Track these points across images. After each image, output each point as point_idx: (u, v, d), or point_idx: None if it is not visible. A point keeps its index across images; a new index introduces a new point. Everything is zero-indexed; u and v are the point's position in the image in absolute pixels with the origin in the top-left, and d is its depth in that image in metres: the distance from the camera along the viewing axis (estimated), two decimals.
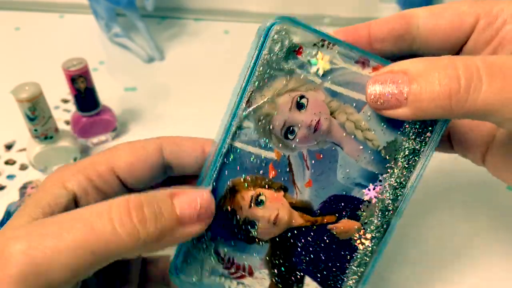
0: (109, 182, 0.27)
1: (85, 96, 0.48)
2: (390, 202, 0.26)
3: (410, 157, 0.26)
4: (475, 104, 0.22)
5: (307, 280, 0.28)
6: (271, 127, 0.26)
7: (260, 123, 0.26)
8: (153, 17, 0.67)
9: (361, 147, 0.26)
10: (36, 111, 0.45)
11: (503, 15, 0.26)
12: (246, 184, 0.26)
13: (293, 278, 0.28)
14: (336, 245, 0.27)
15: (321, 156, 0.26)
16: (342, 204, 0.27)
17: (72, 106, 0.53)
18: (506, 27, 0.26)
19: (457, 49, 0.28)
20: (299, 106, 0.26)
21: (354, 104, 0.26)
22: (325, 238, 0.27)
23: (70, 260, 0.21)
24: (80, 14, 0.68)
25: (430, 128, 0.25)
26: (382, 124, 0.26)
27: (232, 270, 0.28)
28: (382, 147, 0.26)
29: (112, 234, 0.22)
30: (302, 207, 0.27)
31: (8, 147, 0.50)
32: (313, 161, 0.26)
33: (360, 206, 0.26)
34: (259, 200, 0.27)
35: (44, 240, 0.21)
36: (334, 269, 0.27)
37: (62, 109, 0.54)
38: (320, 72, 0.25)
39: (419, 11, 0.27)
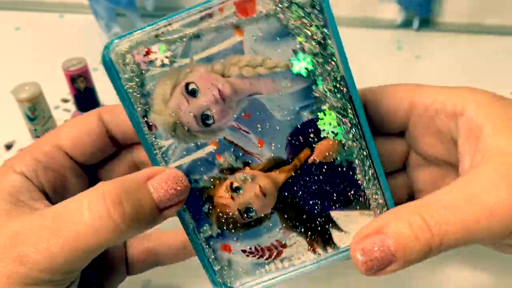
0: (57, 159, 0.27)
1: (85, 96, 0.48)
2: (334, 84, 0.25)
3: (321, 46, 0.24)
4: (449, 244, 0.23)
5: (334, 214, 0.27)
6: (187, 129, 0.25)
7: (175, 134, 0.25)
8: (153, 17, 0.67)
9: (272, 79, 0.25)
10: (36, 111, 0.45)
11: (435, 104, 0.27)
12: (212, 186, 0.27)
13: (319, 223, 0.27)
14: (330, 170, 0.27)
15: (249, 114, 0.26)
16: (303, 135, 0.26)
17: (72, 106, 0.53)
18: (439, 116, 0.27)
19: (401, 129, 0.29)
20: (192, 93, 0.25)
21: (233, 52, 0.25)
22: (316, 172, 0.27)
23: (62, 261, 0.23)
24: (80, 14, 0.68)
25: (319, 12, 0.24)
26: (272, 45, 0.25)
27: (267, 255, 0.28)
28: (290, 62, 0.25)
29: (95, 233, 0.23)
30: (274, 165, 0.26)
31: (8, 147, 0.50)
32: (246, 123, 0.26)
33: (317, 122, 0.26)
34: (234, 188, 0.27)
35: (38, 245, 0.23)
36: (348, 189, 0.27)
37: (62, 109, 0.54)
38: (165, 61, 0.25)
39: (367, 91, 0.29)
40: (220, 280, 0.28)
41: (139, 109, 0.25)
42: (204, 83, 0.25)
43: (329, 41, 0.24)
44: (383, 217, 0.24)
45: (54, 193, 0.27)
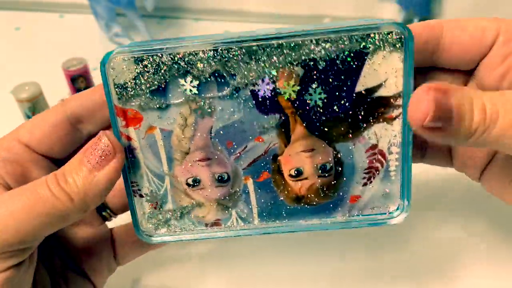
0: (16, 152, 0.28)
1: None
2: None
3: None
4: (489, 134, 0.23)
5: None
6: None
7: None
8: (153, 17, 0.67)
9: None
10: (36, 111, 0.45)
11: None
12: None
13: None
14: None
15: (229, 141, 0.28)
16: (262, 96, 0.27)
17: None
18: None
19: (475, 64, 0.28)
20: (195, 184, 0.29)
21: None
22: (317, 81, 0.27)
23: (21, 223, 0.24)
24: (80, 14, 0.68)
25: None
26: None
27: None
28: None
29: (50, 200, 0.25)
30: (285, 133, 0.28)
31: None
32: (237, 144, 0.28)
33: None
34: (296, 174, 0.29)
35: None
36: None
37: None
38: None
39: (446, 22, 0.28)
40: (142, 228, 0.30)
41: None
42: (195, 172, 0.29)
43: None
44: (449, 84, 0.24)
45: (17, 185, 0.27)
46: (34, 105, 0.45)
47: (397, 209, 0.30)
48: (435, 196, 0.42)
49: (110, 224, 0.34)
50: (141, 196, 0.29)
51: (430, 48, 0.28)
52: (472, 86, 0.29)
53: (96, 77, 0.52)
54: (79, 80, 0.49)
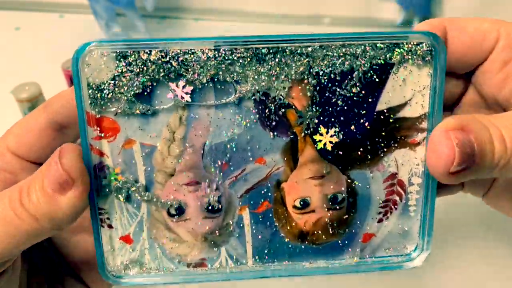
0: (10, 162, 0.26)
1: None
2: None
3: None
4: None
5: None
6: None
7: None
8: (153, 17, 0.67)
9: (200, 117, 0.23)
10: None
11: None
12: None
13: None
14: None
15: (223, 163, 0.23)
16: (268, 111, 0.23)
17: None
18: None
19: (473, 67, 0.27)
20: (180, 213, 0.24)
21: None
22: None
23: None
24: (80, 14, 0.68)
25: None
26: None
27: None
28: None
29: (14, 221, 0.22)
30: (292, 155, 0.24)
31: None
32: (234, 167, 0.23)
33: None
34: (302, 205, 0.24)
35: None
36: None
37: None
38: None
39: (447, 20, 0.26)
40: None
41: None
42: (181, 198, 0.24)
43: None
44: (462, 118, 0.22)
45: None
46: (34, 105, 0.45)
47: (415, 249, 0.25)
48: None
49: None
50: (109, 227, 0.24)
51: None
52: (470, 92, 0.29)
53: None
54: None
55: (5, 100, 0.52)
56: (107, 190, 0.23)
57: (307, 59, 0.22)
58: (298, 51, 0.22)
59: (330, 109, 0.23)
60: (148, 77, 0.22)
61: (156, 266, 0.25)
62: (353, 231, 0.25)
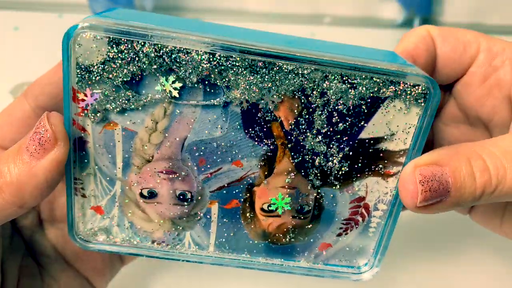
0: None
1: None
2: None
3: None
4: (501, 191, 0.22)
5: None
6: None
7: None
8: None
9: (182, 117, 0.23)
10: None
11: (503, 55, 0.26)
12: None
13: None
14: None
15: (201, 159, 0.24)
16: (253, 118, 0.23)
17: None
18: (505, 68, 0.25)
19: (453, 79, 0.27)
20: (151, 196, 0.25)
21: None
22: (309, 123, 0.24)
23: None
24: (79, 13, 0.68)
25: None
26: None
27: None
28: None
29: None
30: (268, 164, 0.25)
31: None
32: (210, 164, 0.24)
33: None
34: (269, 209, 0.26)
35: None
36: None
37: None
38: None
39: (432, 29, 0.26)
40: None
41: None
42: (154, 184, 0.25)
43: None
44: (440, 152, 0.23)
45: None
46: None
47: (366, 264, 0.27)
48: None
49: None
50: (83, 196, 0.25)
51: (428, 61, 0.26)
52: (451, 105, 0.28)
53: None
54: None
55: (4, 100, 0.51)
56: (85, 161, 0.24)
57: (301, 79, 0.22)
58: (294, 71, 0.22)
59: (314, 130, 0.23)
60: (138, 67, 0.22)
61: (123, 237, 0.26)
62: (311, 240, 0.27)
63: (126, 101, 0.22)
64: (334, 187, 0.25)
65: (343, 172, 0.24)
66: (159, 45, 0.21)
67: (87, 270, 0.31)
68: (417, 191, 0.22)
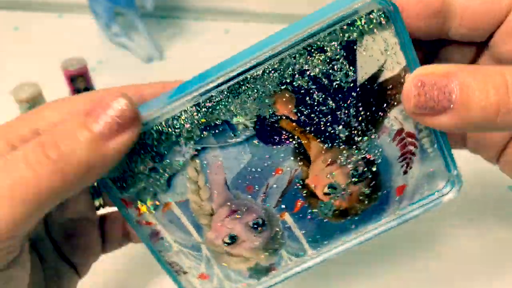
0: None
1: None
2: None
3: None
4: None
5: None
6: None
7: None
8: (153, 17, 0.67)
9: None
10: None
11: None
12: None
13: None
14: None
15: (249, 186, 0.25)
16: (268, 130, 0.24)
17: None
18: None
19: (487, 35, 0.25)
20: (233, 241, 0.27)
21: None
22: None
23: (3, 212, 0.20)
24: (79, 13, 0.68)
25: None
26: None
27: None
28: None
29: (35, 178, 0.20)
30: (305, 157, 0.25)
31: None
32: (258, 185, 0.25)
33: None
34: (330, 190, 0.26)
35: None
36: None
37: None
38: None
39: None
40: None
41: None
42: (228, 229, 0.26)
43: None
44: (454, 65, 0.21)
45: None
46: (34, 105, 0.45)
47: (447, 184, 0.27)
48: None
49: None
50: (185, 273, 0.28)
51: (440, 17, 0.24)
52: (485, 59, 0.26)
53: (96, 78, 0.52)
54: (78, 80, 0.48)
55: (4, 101, 0.51)
56: (167, 245, 0.27)
57: (275, 74, 0.23)
58: (266, 71, 0.23)
59: (317, 104, 0.24)
60: (154, 153, 0.24)
61: (237, 285, 0.28)
62: (385, 191, 0.26)
63: (161, 183, 0.25)
64: (369, 138, 0.25)
65: (365, 122, 0.24)
66: (157, 127, 0.23)
67: (73, 253, 0.30)
68: (413, 94, 0.22)
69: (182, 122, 0.23)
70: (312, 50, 0.23)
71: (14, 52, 0.64)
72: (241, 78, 0.23)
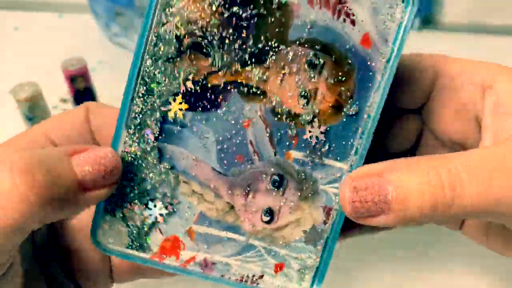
0: (42, 145, 0.25)
1: (84, 95, 0.48)
2: None
3: None
4: (461, 209, 0.20)
5: None
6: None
7: None
8: None
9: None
10: (35, 111, 0.45)
11: (462, 76, 0.25)
12: None
13: None
14: None
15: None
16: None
17: (70, 106, 0.53)
18: (466, 89, 0.25)
19: (419, 105, 0.26)
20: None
21: None
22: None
23: None
24: (79, 13, 0.68)
25: None
26: None
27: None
28: None
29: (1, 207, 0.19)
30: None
31: None
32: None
33: None
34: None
35: None
36: None
37: (61, 109, 0.54)
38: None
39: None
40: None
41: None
42: (257, 208, 0.25)
43: None
44: (389, 162, 0.21)
45: None
46: (33, 105, 0.45)
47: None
48: None
49: None
50: (261, 277, 0.25)
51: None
52: (425, 134, 0.27)
53: (95, 78, 0.52)
54: (78, 80, 0.48)
55: (4, 100, 0.51)
56: (227, 266, 0.25)
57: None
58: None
59: (221, 43, 0.22)
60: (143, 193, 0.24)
61: (310, 253, 0.25)
62: (350, 54, 0.23)
63: (166, 216, 0.25)
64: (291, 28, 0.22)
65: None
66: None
67: (84, 281, 0.30)
68: (348, 201, 0.21)
69: (133, 150, 0.23)
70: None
71: (14, 51, 0.64)
72: (140, 80, 0.22)
